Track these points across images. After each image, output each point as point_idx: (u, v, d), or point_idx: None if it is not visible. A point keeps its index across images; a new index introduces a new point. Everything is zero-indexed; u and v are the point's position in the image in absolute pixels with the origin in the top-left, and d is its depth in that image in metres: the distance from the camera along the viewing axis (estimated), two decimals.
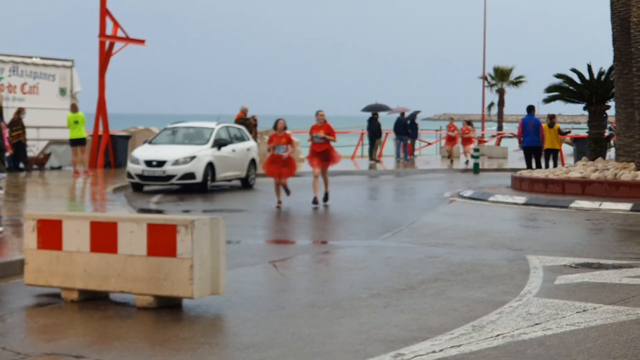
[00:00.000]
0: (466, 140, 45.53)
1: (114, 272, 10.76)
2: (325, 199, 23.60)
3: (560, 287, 12.09)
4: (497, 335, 9.31)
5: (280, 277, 13.16)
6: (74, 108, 32.01)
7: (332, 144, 23.57)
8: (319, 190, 23.36)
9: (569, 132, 45.84)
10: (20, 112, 31.87)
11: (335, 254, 15.66)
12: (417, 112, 50.72)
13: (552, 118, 33.62)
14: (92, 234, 10.91)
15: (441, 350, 8.71)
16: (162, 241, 10.50)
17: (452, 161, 45.13)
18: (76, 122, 31.25)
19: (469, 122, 46.55)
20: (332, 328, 9.69)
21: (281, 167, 23.11)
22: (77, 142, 31.37)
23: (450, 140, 45.98)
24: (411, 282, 12.45)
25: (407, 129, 46.21)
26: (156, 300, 10.58)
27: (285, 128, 23.16)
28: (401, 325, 9.80)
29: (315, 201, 23.10)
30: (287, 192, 23.56)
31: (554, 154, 33.58)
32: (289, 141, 23.26)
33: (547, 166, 32.02)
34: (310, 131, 23.69)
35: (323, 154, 23.42)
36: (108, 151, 35.89)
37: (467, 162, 43.70)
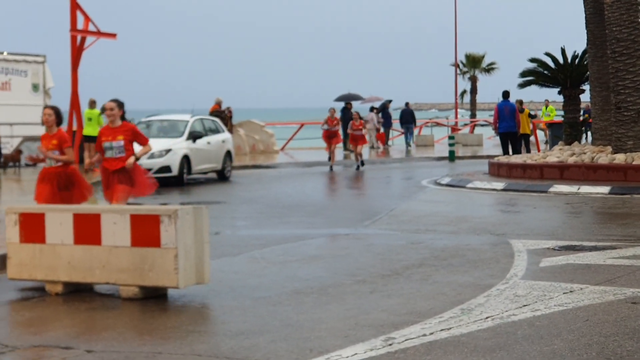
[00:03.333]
0: (356, 139, 33.75)
1: (98, 264, 10.68)
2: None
3: (546, 269, 12.09)
4: (487, 318, 9.29)
5: (264, 266, 13.09)
6: (90, 104, 31.50)
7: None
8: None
9: (536, 116, 45.98)
10: None
11: (316, 242, 15.60)
12: (389, 101, 50.75)
13: (521, 103, 33.81)
14: (76, 226, 10.83)
15: (432, 334, 8.68)
16: (145, 232, 10.43)
17: (331, 167, 34.41)
18: (89, 119, 30.94)
19: (360, 116, 35.65)
20: (320, 314, 9.64)
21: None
22: (87, 139, 31.02)
23: (330, 137, 34.37)
24: (395, 268, 12.41)
25: (413, 117, 47.63)
26: (141, 290, 10.51)
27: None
28: (389, 310, 9.76)
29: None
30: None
31: (525, 139, 33.82)
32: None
33: (519, 151, 32.16)
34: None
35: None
36: (82, 147, 35.63)
37: (358, 167, 33.86)
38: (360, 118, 34.74)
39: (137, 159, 13.95)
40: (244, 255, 13.86)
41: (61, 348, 8.41)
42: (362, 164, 34.09)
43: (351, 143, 34.37)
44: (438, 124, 68.92)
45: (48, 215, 11.06)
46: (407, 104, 50.20)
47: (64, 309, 10.25)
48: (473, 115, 72.87)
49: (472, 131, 60.31)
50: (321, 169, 34.06)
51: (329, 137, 34.22)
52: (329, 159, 34.39)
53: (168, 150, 26.69)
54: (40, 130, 34.61)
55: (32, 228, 11.09)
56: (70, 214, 10.95)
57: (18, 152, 33.51)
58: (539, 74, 31.06)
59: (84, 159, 31.29)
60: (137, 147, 14.33)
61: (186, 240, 10.37)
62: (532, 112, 45.93)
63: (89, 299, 10.68)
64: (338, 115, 38.25)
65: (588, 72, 28.59)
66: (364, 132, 34.68)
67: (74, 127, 35.59)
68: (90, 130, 30.84)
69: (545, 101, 50.28)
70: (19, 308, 10.41)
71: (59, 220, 10.93)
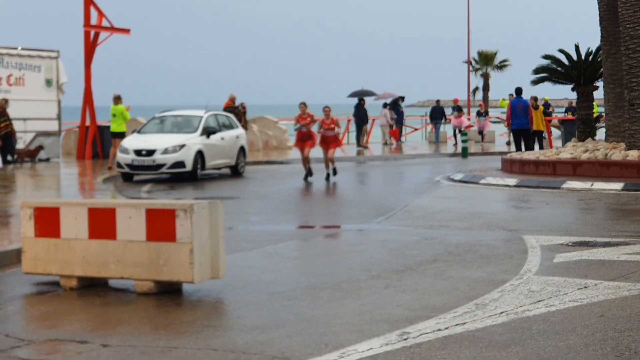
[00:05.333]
0: (327, 140, 27.04)
1: (113, 258, 10.71)
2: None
3: (560, 265, 12.08)
4: (501, 313, 9.30)
5: (278, 262, 13.11)
6: (115, 100, 31.38)
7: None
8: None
9: (551, 113, 45.94)
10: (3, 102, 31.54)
11: (330, 237, 15.62)
12: (401, 97, 50.76)
13: (535, 100, 33.78)
14: (90, 221, 10.86)
15: (446, 329, 8.69)
16: (161, 226, 10.45)
17: (307, 175, 27.03)
18: (114, 115, 30.93)
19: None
20: (335, 309, 9.66)
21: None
22: (113, 135, 30.98)
23: (304, 139, 27.20)
24: (409, 264, 12.42)
25: (443, 114, 47.96)
26: (156, 285, 10.53)
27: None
28: (404, 305, 9.77)
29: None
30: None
31: (538, 136, 33.81)
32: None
33: (532, 148, 32.16)
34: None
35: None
36: (96, 142, 35.76)
37: (328, 175, 27.15)
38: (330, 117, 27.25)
39: None
40: (258, 251, 13.87)
41: (77, 342, 8.44)
42: (335, 172, 27.07)
43: (321, 145, 27.03)
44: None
45: (63, 209, 11.10)
46: (437, 101, 51.05)
47: (79, 304, 10.28)
48: (486, 112, 72.73)
49: None
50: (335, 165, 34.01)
51: (303, 139, 26.93)
52: (306, 169, 27.00)
53: (182, 146, 26.73)
54: (54, 125, 34.84)
55: (47, 222, 11.12)
56: (85, 208, 10.98)
57: (37, 147, 33.59)
58: (553, 70, 30.97)
59: (109, 155, 31.28)
60: None
61: (202, 235, 10.39)
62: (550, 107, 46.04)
63: (103, 293, 10.72)
64: (350, 112, 37.98)
65: (602, 69, 28.53)
66: (337, 131, 27.30)
67: (87, 122, 35.76)
68: (115, 126, 30.81)
69: (569, 102, 50.00)
70: (34, 302, 10.45)
71: (74, 215, 10.96)
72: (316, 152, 28.40)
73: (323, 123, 26.97)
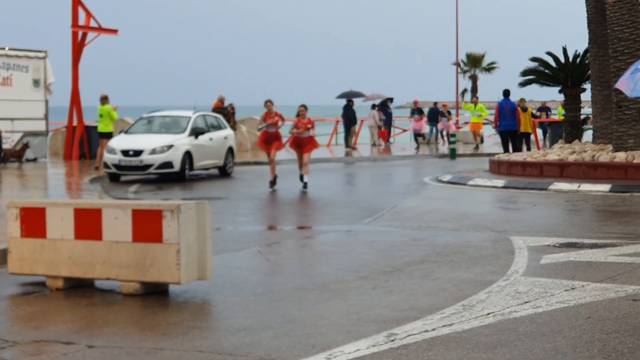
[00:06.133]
0: (301, 143, 24.43)
1: (99, 259, 10.67)
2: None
3: (547, 266, 12.08)
4: (488, 314, 9.29)
5: (266, 262, 13.09)
6: (102, 100, 31.30)
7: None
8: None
9: (540, 116, 45.93)
10: None
11: (318, 238, 15.60)
12: (390, 99, 50.75)
13: (522, 101, 33.86)
14: (77, 221, 10.81)
15: (433, 330, 8.68)
16: (147, 227, 10.41)
17: (272, 182, 24.29)
18: (101, 116, 30.87)
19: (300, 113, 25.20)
20: (322, 310, 9.64)
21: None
22: (100, 135, 30.94)
23: (270, 141, 24.83)
24: (397, 264, 12.41)
25: (438, 115, 47.87)
26: (142, 286, 10.49)
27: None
28: (391, 306, 9.76)
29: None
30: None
31: (526, 138, 33.87)
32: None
33: (520, 149, 32.21)
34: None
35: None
36: (83, 142, 35.67)
37: (301, 178, 24.34)
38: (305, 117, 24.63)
39: None
40: (245, 251, 13.84)
41: (62, 343, 8.40)
42: (302, 178, 24.33)
43: (292, 147, 24.82)
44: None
45: (49, 210, 11.05)
46: (435, 103, 50.98)
47: (65, 304, 10.24)
48: (449, 113, 72.80)
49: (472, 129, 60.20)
50: (323, 166, 34.01)
51: (268, 140, 24.75)
52: (272, 174, 24.46)
53: (170, 146, 26.67)
54: (42, 126, 34.73)
55: (33, 223, 11.07)
56: (71, 208, 10.94)
57: (23, 146, 33.50)
58: (540, 72, 31.03)
59: (97, 155, 31.19)
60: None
61: (188, 236, 10.36)
62: (549, 112, 46.13)
63: (89, 294, 10.67)
64: (338, 113, 37.83)
65: (589, 71, 28.57)
66: (312, 133, 24.47)
67: (75, 123, 35.67)
68: (102, 126, 30.76)
69: (562, 102, 50.01)
70: (20, 303, 10.40)
71: (60, 215, 10.92)
72: (282, 154, 28.15)
73: (298, 123, 24.48)
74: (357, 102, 48.32)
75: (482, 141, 45.93)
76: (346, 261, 12.80)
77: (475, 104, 46.16)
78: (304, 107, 24.78)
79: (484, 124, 56.40)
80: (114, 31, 37.11)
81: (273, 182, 24.22)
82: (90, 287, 10.99)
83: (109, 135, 30.32)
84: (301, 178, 24.27)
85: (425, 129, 48.30)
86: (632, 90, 10.13)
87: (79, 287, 10.93)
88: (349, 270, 12.04)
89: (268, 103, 24.91)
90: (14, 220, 11.23)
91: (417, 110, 47.99)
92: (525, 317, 9.18)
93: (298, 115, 24.62)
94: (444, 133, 47.71)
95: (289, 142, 24.80)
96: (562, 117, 44.77)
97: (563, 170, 24.95)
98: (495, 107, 32.46)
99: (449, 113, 48.74)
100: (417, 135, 47.47)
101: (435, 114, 49.63)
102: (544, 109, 46.85)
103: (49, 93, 35.61)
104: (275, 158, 24.81)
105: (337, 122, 50.07)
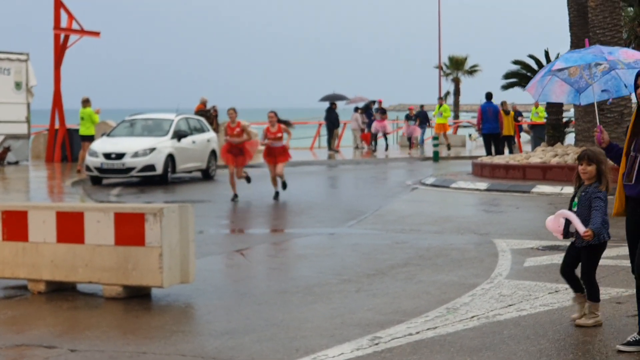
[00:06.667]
0: (273, 153, 22.39)
1: (81, 263, 10.61)
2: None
3: (530, 269, 12.08)
4: (472, 317, 9.27)
5: (249, 265, 13.05)
6: (83, 103, 31.19)
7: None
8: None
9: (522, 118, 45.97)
10: None
11: (301, 241, 15.56)
12: (373, 102, 50.74)
13: (503, 105, 33.95)
14: (59, 225, 10.75)
15: (417, 333, 8.66)
16: (130, 230, 10.36)
17: (234, 190, 22.28)
18: (82, 118, 30.77)
19: (278, 120, 22.56)
20: (305, 313, 9.60)
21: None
22: (82, 138, 30.84)
23: (235, 153, 22.77)
24: (380, 267, 12.38)
25: (427, 118, 47.70)
26: (125, 290, 10.44)
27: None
28: (375, 309, 9.73)
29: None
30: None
31: (508, 141, 33.96)
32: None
33: (502, 152, 32.29)
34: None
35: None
36: (65, 145, 35.54)
37: (277, 193, 22.37)
38: (281, 121, 22.39)
39: None
40: (228, 254, 13.80)
41: (44, 347, 8.34)
42: (284, 186, 22.43)
43: (266, 159, 22.52)
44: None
45: (31, 213, 10.98)
46: (422, 106, 50.80)
47: (47, 308, 10.17)
48: (456, 117, 72.98)
49: (455, 132, 60.31)
50: (306, 169, 33.98)
51: (232, 152, 22.70)
52: (233, 189, 22.37)
53: (152, 149, 26.59)
54: (24, 128, 34.57)
55: (15, 226, 11.00)
56: (53, 212, 10.87)
57: (5, 149, 33.36)
58: (522, 75, 31.14)
59: (79, 158, 31.05)
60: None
61: (171, 239, 10.31)
62: (520, 117, 46.11)
63: (71, 297, 10.61)
64: (321, 116, 37.72)
65: None
66: (285, 142, 22.47)
67: (57, 125, 35.53)
68: (84, 129, 30.68)
69: (536, 102, 50.19)
70: (1, 307, 10.31)
71: (42, 219, 10.85)
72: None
73: (268, 132, 22.16)
74: (340, 105, 48.29)
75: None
76: (329, 264, 12.76)
77: (440, 105, 46.13)
78: (274, 113, 22.37)
79: (464, 126, 56.28)
80: (96, 33, 36.99)
81: (234, 197, 21.97)
82: (73, 291, 10.92)
83: (90, 138, 30.21)
84: (276, 195, 22.19)
85: (389, 128, 48.19)
86: (540, 95, 10.15)
87: (61, 291, 10.86)
88: (332, 273, 12.01)
89: (230, 112, 22.54)
90: None
91: (380, 110, 47.80)
92: (509, 320, 9.17)
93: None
94: (378, 135, 47.10)
95: (263, 154, 22.58)
96: (536, 118, 44.91)
97: (546, 173, 24.98)
98: (478, 110, 32.51)
99: (384, 111, 48.33)
100: (382, 134, 47.22)
101: (424, 117, 49.63)
102: (516, 112, 46.78)
103: (31, 96, 35.45)
104: (235, 175, 22.48)
105: (320, 125, 50.01)
